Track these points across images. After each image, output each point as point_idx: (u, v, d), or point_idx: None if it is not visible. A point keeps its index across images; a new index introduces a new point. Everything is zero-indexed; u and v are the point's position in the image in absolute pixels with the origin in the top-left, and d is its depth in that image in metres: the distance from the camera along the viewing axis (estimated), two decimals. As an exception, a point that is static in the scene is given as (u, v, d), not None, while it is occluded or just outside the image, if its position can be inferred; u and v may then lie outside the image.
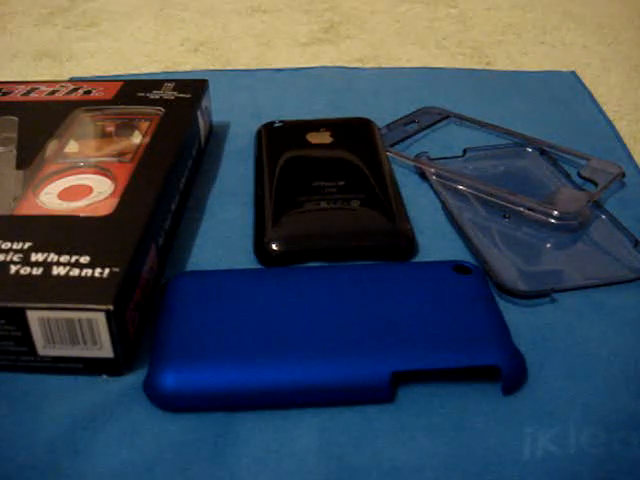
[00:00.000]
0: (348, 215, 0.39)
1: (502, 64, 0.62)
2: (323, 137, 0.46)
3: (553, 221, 0.40)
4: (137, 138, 0.41)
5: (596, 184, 0.43)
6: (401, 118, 0.50)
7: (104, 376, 0.31)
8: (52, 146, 0.41)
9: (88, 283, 0.30)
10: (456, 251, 0.39)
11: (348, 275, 0.34)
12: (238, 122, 0.52)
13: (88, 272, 0.31)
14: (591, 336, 0.33)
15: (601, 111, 0.52)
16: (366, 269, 0.35)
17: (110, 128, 0.43)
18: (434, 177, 0.44)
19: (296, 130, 0.47)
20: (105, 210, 0.35)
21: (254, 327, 0.31)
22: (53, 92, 0.46)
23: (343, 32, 0.68)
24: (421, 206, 0.42)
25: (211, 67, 0.62)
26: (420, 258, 0.38)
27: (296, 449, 0.28)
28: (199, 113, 0.46)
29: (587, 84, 0.57)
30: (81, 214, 0.35)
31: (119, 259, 0.31)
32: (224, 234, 0.40)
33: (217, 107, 0.53)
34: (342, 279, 0.34)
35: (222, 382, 0.29)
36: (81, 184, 0.37)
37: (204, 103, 0.47)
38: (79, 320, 0.29)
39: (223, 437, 0.29)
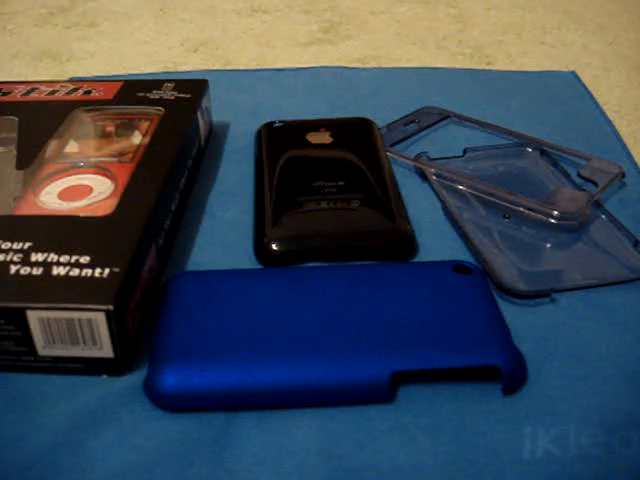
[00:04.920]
0: (348, 215, 0.39)
1: (502, 64, 0.62)
2: (323, 137, 0.46)
3: (553, 221, 0.40)
4: (137, 138, 0.41)
5: (596, 184, 0.43)
6: (401, 118, 0.50)
7: (104, 376, 0.31)
8: (52, 146, 0.41)
9: (88, 283, 0.30)
10: (456, 251, 0.39)
11: (348, 275, 0.34)
12: (238, 122, 0.52)
13: (88, 272, 0.31)
14: (591, 336, 0.33)
15: (601, 111, 0.52)
16: (366, 269, 0.35)
17: (110, 128, 0.43)
18: (434, 177, 0.44)
19: (296, 130, 0.47)
20: (105, 210, 0.35)
21: (254, 327, 0.31)
22: (53, 92, 0.46)
23: (343, 32, 0.68)
24: (421, 206, 0.42)
25: (211, 67, 0.62)
26: (420, 258, 0.38)
27: (296, 449, 0.28)
28: (199, 113, 0.46)
29: (587, 84, 0.57)
30: (81, 214, 0.35)
31: (119, 259, 0.31)
32: (224, 234, 0.40)
33: (217, 107, 0.53)
34: (342, 279, 0.34)
35: (222, 382, 0.29)
36: (81, 184, 0.37)
37: (204, 103, 0.47)
38: (79, 320, 0.29)
39: (223, 437, 0.29)
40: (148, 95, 0.46)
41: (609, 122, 0.51)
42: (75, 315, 0.29)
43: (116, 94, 0.46)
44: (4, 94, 0.46)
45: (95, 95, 0.46)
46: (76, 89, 0.47)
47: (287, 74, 0.59)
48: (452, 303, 0.33)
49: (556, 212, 0.40)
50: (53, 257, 0.31)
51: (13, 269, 0.31)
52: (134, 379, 0.31)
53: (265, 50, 0.65)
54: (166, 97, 0.45)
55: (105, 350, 0.30)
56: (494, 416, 0.29)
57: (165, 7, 0.74)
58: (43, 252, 0.32)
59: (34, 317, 0.29)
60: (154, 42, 0.66)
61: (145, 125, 0.43)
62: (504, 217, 0.40)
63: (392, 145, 0.47)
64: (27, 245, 0.32)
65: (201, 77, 0.50)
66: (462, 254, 0.38)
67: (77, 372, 0.31)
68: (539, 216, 0.40)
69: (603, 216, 0.40)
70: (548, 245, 0.38)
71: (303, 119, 0.49)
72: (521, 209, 0.40)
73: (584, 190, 0.42)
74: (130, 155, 0.40)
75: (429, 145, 0.48)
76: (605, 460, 0.28)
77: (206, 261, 0.38)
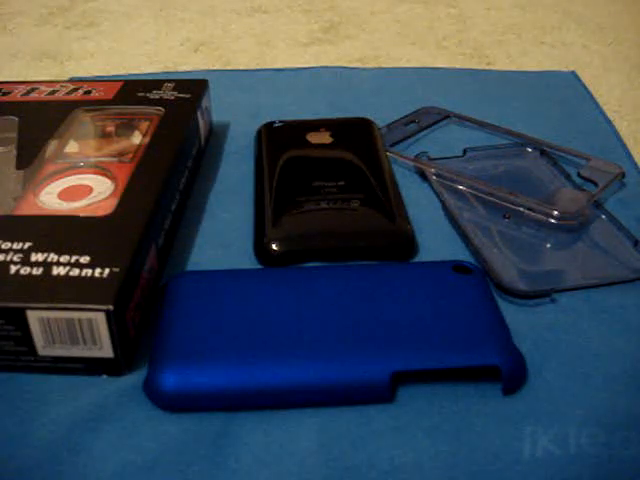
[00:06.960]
0: (348, 215, 0.39)
1: (502, 64, 0.62)
2: (323, 137, 0.46)
3: (553, 221, 0.40)
4: (137, 138, 0.41)
5: (596, 184, 0.43)
6: (401, 118, 0.50)
7: (104, 376, 0.31)
8: (52, 146, 0.41)
9: (88, 283, 0.30)
10: (456, 251, 0.39)
11: (348, 275, 0.34)
12: (238, 122, 0.52)
13: (88, 272, 0.31)
14: (591, 336, 0.33)
15: (601, 111, 0.52)
16: (366, 269, 0.35)
17: (110, 128, 0.43)
18: (434, 177, 0.44)
19: (296, 130, 0.47)
20: (105, 210, 0.35)
21: (254, 327, 0.31)
22: (53, 92, 0.46)
23: (343, 32, 0.68)
24: (421, 206, 0.42)
25: (211, 67, 0.62)
26: (420, 258, 0.38)
27: (296, 449, 0.28)
28: (199, 113, 0.46)
29: (587, 84, 0.57)
30: (81, 214, 0.35)
31: (119, 259, 0.31)
32: (224, 234, 0.40)
33: (217, 107, 0.53)
34: (342, 279, 0.34)
35: (222, 382, 0.29)
36: (81, 184, 0.37)
37: (204, 103, 0.47)
38: (79, 320, 0.29)
39: (223, 437, 0.29)
40: (148, 95, 0.46)
41: (609, 122, 0.51)
42: (75, 315, 0.29)
43: (116, 94, 0.46)
44: (4, 94, 0.46)
45: (95, 95, 0.46)
46: (76, 89, 0.47)
47: (287, 74, 0.59)
48: (452, 303, 0.33)
49: (556, 212, 0.40)
50: (53, 257, 0.31)
51: (13, 269, 0.31)
52: (134, 379, 0.31)
53: (265, 50, 0.65)
54: (166, 97, 0.45)
55: (105, 350, 0.30)
56: (494, 416, 0.29)
57: (165, 7, 0.74)
58: (43, 252, 0.32)
59: (34, 317, 0.29)
60: (154, 42, 0.66)
61: (145, 125, 0.43)
62: (504, 217, 0.40)
63: (392, 145, 0.47)
64: (27, 245, 0.32)
65: (201, 77, 0.50)
66: (462, 254, 0.38)
67: (77, 372, 0.31)
68: (539, 216, 0.40)
69: (603, 216, 0.40)
70: (548, 245, 0.38)
71: (303, 119, 0.49)
72: (521, 209, 0.40)
73: (584, 190, 0.42)
74: (130, 155, 0.40)
75: (429, 145, 0.48)
76: (605, 460, 0.28)
77: (206, 261, 0.38)
